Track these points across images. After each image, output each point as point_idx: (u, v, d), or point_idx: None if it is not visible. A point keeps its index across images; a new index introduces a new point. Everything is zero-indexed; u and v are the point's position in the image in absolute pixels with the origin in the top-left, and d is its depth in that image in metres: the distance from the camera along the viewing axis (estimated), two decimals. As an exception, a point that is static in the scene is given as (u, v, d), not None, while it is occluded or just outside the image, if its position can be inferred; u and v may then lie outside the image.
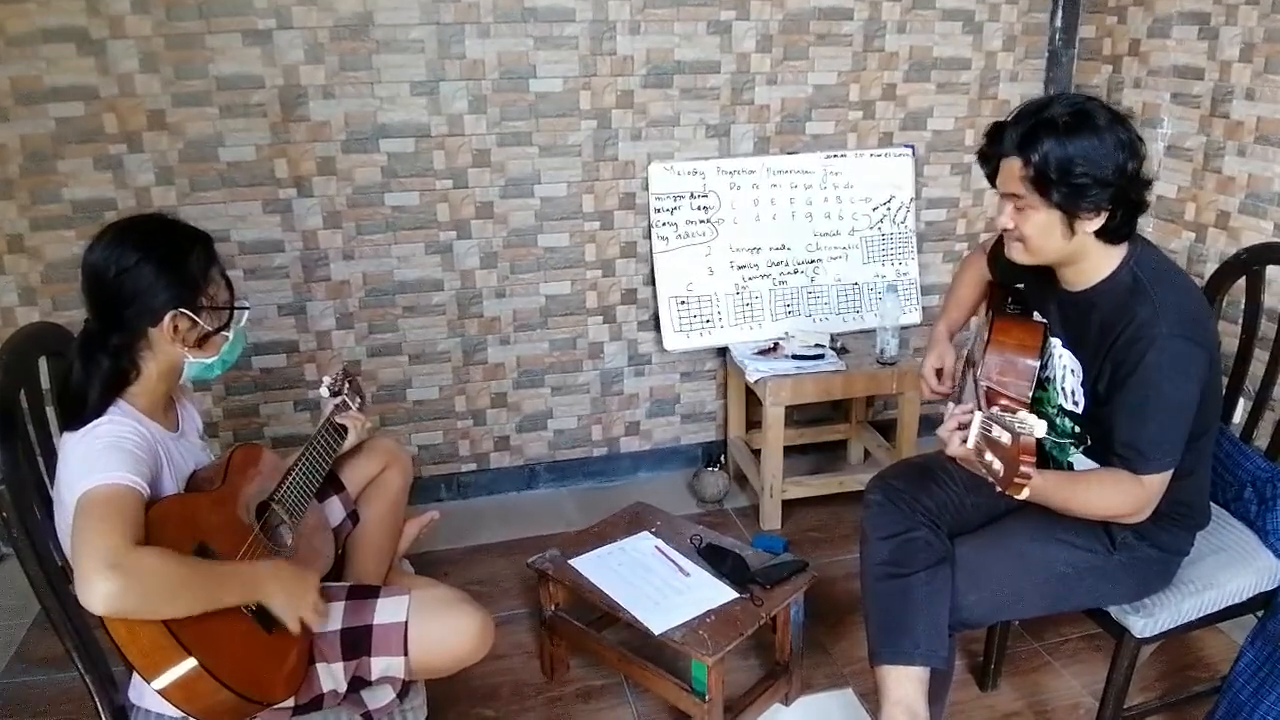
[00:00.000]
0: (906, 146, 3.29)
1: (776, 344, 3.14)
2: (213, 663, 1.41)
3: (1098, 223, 1.61)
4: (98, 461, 1.43)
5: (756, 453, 3.18)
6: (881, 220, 3.31)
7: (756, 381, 2.97)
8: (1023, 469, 1.36)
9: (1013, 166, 1.61)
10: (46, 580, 1.47)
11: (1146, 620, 1.82)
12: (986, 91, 3.31)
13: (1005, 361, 1.77)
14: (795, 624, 2.24)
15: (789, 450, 3.13)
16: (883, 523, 1.90)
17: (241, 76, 2.76)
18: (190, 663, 1.39)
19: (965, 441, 1.49)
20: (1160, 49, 2.91)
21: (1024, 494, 1.40)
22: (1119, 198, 1.59)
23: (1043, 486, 1.54)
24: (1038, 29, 3.28)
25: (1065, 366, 1.78)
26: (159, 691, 1.39)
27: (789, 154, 3.20)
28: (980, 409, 1.49)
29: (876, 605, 1.87)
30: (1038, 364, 1.77)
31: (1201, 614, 1.89)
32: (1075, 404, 1.77)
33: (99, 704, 1.56)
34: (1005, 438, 1.39)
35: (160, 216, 1.65)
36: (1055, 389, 1.81)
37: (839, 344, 3.15)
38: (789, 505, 3.11)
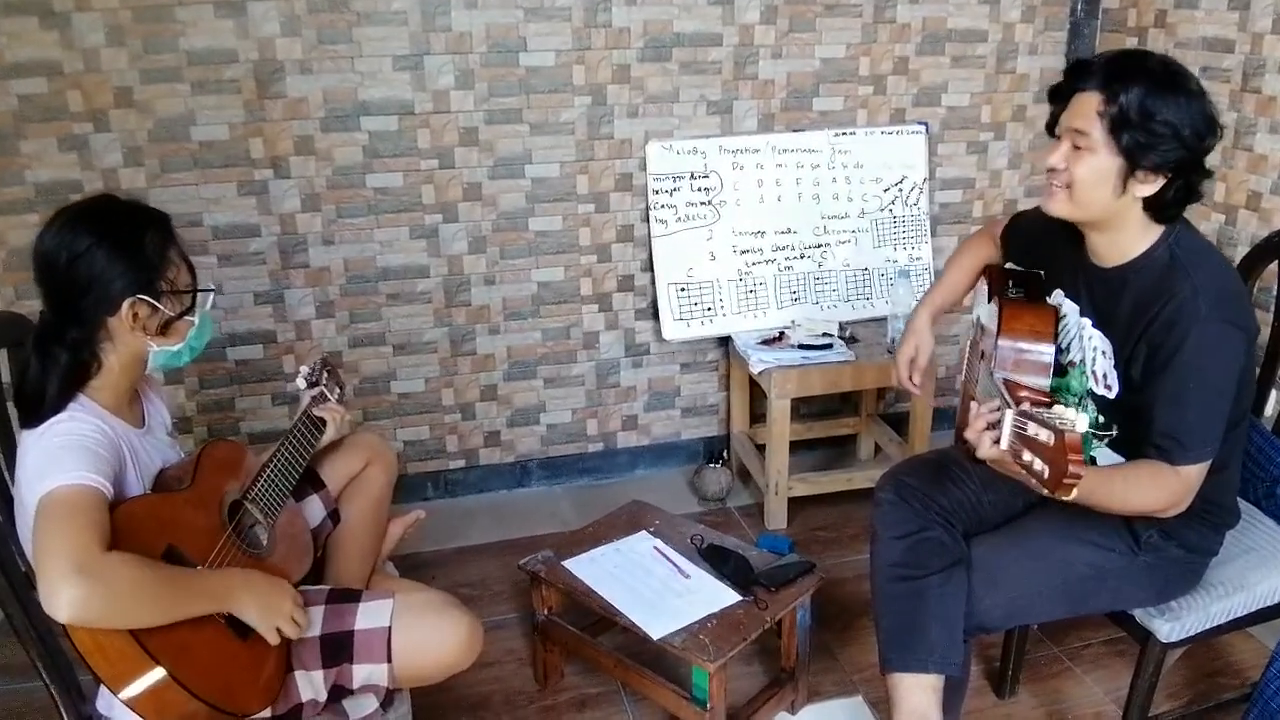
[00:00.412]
0: (919, 124, 3.28)
1: (782, 333, 3.13)
2: (183, 672, 1.40)
3: (1152, 188, 1.60)
4: (57, 462, 1.42)
5: (761, 448, 3.18)
6: (893, 202, 3.30)
7: (760, 373, 2.97)
8: (1071, 469, 1.32)
9: (1090, 101, 1.60)
10: (9, 584, 1.47)
11: (1173, 624, 1.82)
12: (1004, 65, 3.30)
13: (1018, 350, 1.75)
14: (802, 628, 2.24)
15: (795, 445, 3.12)
16: (895, 521, 1.89)
17: (214, 51, 2.74)
18: (159, 672, 1.38)
19: (998, 442, 1.47)
20: (1188, 20, 2.89)
21: (1073, 495, 1.36)
22: (1184, 167, 1.59)
23: (1086, 486, 1.51)
24: (1058, -1, 3.27)
25: (1096, 348, 1.76)
26: (126, 703, 1.39)
27: (795, 132, 3.19)
28: (1009, 406, 1.48)
29: (888, 609, 1.87)
30: (1053, 350, 1.76)
31: (1230, 617, 1.88)
32: (1108, 388, 1.74)
33: (64, 715, 1.56)
34: (1044, 435, 1.36)
35: (112, 198, 1.63)
36: (1083, 373, 1.79)
37: (848, 333, 3.14)
38: (795, 503, 3.11)
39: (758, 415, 3.38)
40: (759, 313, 3.22)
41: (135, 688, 1.38)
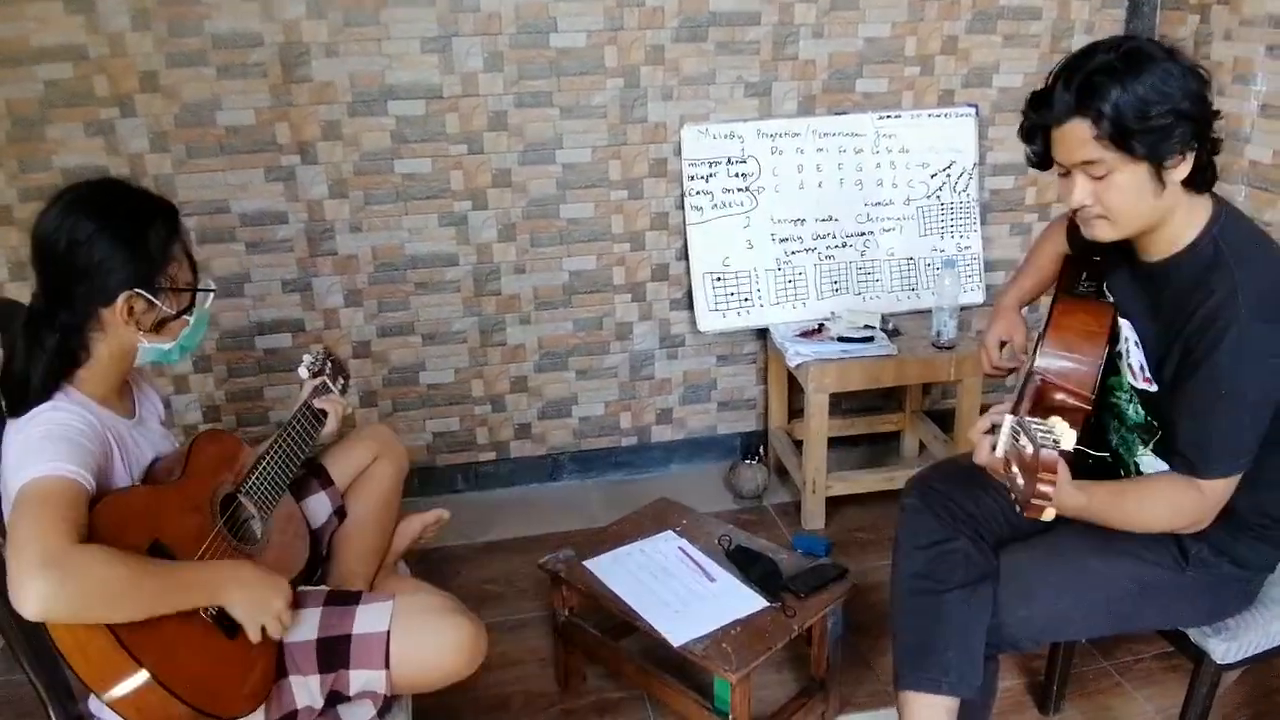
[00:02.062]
0: (969, 106, 3.15)
1: (821, 325, 3.02)
2: (166, 673, 1.35)
3: (1186, 167, 1.48)
4: (36, 452, 1.37)
5: (799, 444, 3.07)
6: (940, 188, 3.17)
7: (798, 366, 2.86)
8: (1040, 487, 1.24)
9: (1076, 131, 1.46)
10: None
11: (1229, 644, 1.70)
12: (1059, 44, 3.14)
13: (1067, 349, 1.65)
14: (832, 637, 2.14)
15: (837, 442, 3.01)
16: (917, 530, 1.80)
17: (239, 34, 2.70)
18: (141, 674, 1.33)
19: (995, 449, 1.39)
20: (1257, -6, 2.72)
21: (1047, 515, 1.28)
22: (1202, 132, 1.46)
23: (1083, 507, 1.45)
24: (1118, -27, 3.11)
25: (1127, 339, 1.67)
26: (107, 704, 1.34)
27: (837, 115, 3.08)
28: (1016, 410, 1.40)
29: (905, 623, 1.78)
30: (1104, 350, 1.64)
31: (1292, 636, 1.76)
32: (1148, 380, 1.64)
33: (52, 715, 1.52)
34: (1029, 449, 1.28)
35: (120, 183, 1.58)
36: (1125, 367, 1.70)
37: (891, 325, 3.03)
38: (834, 502, 3.01)
39: (796, 410, 3.28)
40: (798, 304, 3.11)
41: (116, 689, 1.33)
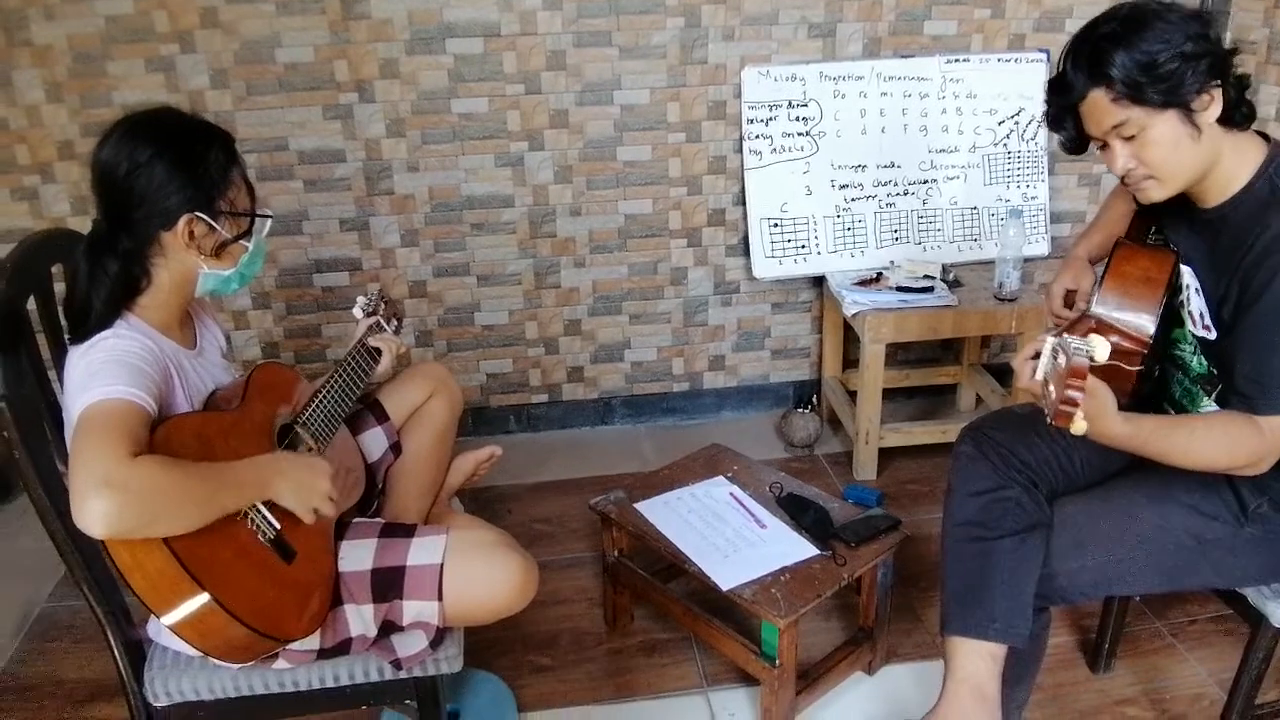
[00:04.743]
0: (1040, 51, 3.05)
1: (880, 274, 2.97)
2: (225, 595, 1.37)
3: (1216, 107, 1.48)
4: (98, 376, 1.39)
5: (853, 395, 3.04)
6: (1008, 136, 3.08)
7: (854, 315, 2.82)
8: (1067, 393, 1.26)
9: (1097, 100, 1.49)
10: (51, 505, 1.44)
11: (1290, 606, 1.66)
12: (1138, -13, 3.02)
13: (1124, 294, 1.63)
14: (882, 587, 2.13)
15: (892, 393, 2.97)
16: (971, 477, 1.78)
17: (298, -31, 2.70)
18: (202, 597, 1.35)
19: (1035, 374, 1.40)
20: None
21: (1077, 427, 1.29)
22: (1217, 68, 1.47)
23: (1130, 435, 1.45)
24: (1204, -88, 2.98)
25: (1188, 285, 1.65)
26: (170, 628, 1.36)
27: (903, 58, 3.00)
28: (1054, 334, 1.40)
29: (954, 569, 1.77)
30: (1162, 296, 1.62)
31: (1358, 600, 1.71)
32: (1207, 328, 1.62)
33: (111, 638, 1.55)
34: (1063, 362, 1.30)
35: (176, 111, 1.58)
36: (1186, 315, 1.67)
37: (951, 275, 2.97)
38: (887, 454, 2.98)
39: (851, 360, 3.24)
40: (856, 252, 3.06)
41: (176, 611, 1.35)
